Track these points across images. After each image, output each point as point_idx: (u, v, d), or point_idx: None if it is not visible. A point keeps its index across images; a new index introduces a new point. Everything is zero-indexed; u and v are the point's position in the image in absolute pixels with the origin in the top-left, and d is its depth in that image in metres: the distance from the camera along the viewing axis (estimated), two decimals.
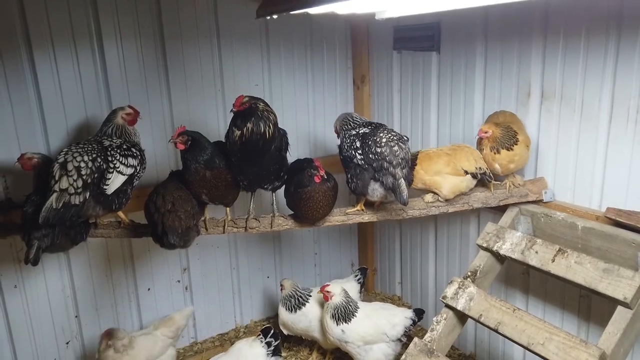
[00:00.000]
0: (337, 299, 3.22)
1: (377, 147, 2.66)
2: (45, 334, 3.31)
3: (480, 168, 2.87)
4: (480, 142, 2.90)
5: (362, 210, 2.97)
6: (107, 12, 3.11)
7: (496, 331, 2.39)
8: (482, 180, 2.94)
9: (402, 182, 2.62)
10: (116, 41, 3.18)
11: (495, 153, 2.79)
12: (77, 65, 3.10)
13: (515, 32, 2.90)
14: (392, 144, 2.65)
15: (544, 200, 2.84)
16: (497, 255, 2.69)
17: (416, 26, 3.50)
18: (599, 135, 2.60)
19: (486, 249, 2.72)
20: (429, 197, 2.94)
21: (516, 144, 2.74)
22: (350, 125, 2.93)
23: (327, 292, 3.23)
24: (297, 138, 3.90)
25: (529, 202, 2.88)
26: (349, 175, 2.80)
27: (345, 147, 2.82)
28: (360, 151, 2.73)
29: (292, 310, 3.49)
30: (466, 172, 2.86)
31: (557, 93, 2.76)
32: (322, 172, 2.72)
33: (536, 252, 2.48)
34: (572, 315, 2.87)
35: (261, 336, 3.12)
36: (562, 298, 2.89)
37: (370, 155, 2.67)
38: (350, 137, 2.82)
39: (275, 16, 1.81)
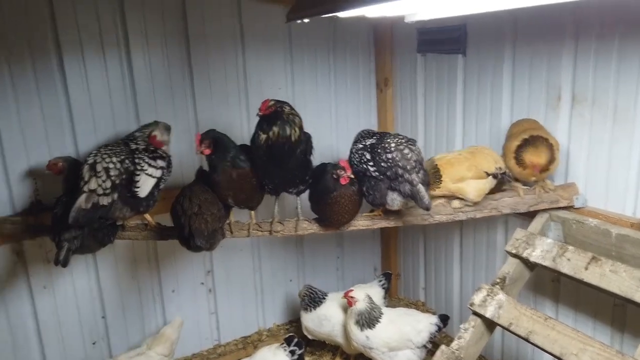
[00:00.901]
0: (361, 304, 3.19)
1: (387, 153, 2.59)
2: (72, 334, 3.35)
3: (500, 168, 2.84)
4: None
5: (380, 215, 2.94)
6: (134, 18, 3.16)
7: (527, 340, 2.33)
8: (502, 180, 2.90)
9: (421, 187, 2.54)
10: (143, 47, 3.23)
11: (545, 172, 2.72)
12: (105, 71, 3.15)
13: (546, 35, 2.84)
14: (401, 147, 2.59)
15: (576, 207, 2.78)
16: (526, 262, 2.63)
17: (442, 28, 3.46)
18: (633, 140, 2.52)
19: (515, 256, 2.66)
20: (456, 203, 2.89)
21: (556, 154, 2.68)
22: (357, 140, 2.88)
23: (351, 297, 3.20)
24: (319, 141, 3.86)
25: (559, 208, 2.81)
26: (364, 189, 2.73)
27: (355, 162, 2.74)
28: (371, 163, 2.65)
29: (307, 310, 3.52)
30: (487, 174, 2.82)
31: (589, 97, 2.69)
32: (349, 172, 2.67)
33: (568, 260, 2.42)
34: (605, 325, 2.79)
35: (285, 344, 3.11)
36: (595, 307, 2.82)
37: (382, 164, 2.60)
38: (359, 152, 2.75)
39: (306, 20, 1.81)
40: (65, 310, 3.30)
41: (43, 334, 3.24)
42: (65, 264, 2.44)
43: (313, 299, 3.55)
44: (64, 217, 2.36)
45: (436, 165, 2.85)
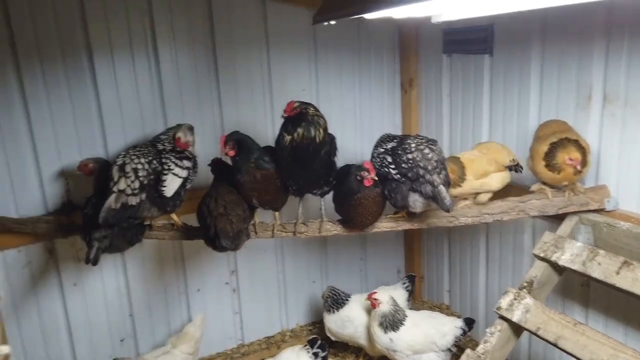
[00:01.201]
0: (385, 307, 3.17)
1: (408, 153, 2.57)
2: (101, 331, 3.43)
3: (513, 160, 2.94)
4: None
5: (404, 216, 2.92)
6: (162, 21, 3.22)
7: (556, 346, 2.28)
8: (516, 172, 2.96)
9: (442, 188, 2.50)
10: (170, 50, 3.28)
11: (578, 174, 2.65)
12: (134, 72, 3.21)
13: (576, 34, 2.78)
14: (422, 147, 2.56)
15: (607, 209, 2.70)
16: (555, 266, 2.58)
17: (468, 28, 3.42)
18: None
19: (543, 259, 2.61)
20: (484, 197, 2.86)
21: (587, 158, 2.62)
22: (378, 144, 2.87)
23: (375, 299, 3.19)
24: (343, 143, 3.86)
25: (590, 211, 2.74)
26: (386, 191, 2.72)
27: (377, 166, 2.73)
28: (393, 165, 2.63)
29: (330, 311, 3.52)
30: (505, 167, 2.87)
31: (621, 96, 2.62)
32: (373, 174, 2.66)
33: (599, 264, 2.36)
34: (637, 331, 2.71)
35: (308, 346, 3.13)
36: (626, 312, 2.74)
37: (403, 165, 2.58)
38: (380, 156, 2.75)
39: (333, 22, 1.82)
40: (94, 308, 3.38)
41: (73, 330, 3.33)
42: (95, 262, 2.50)
43: (336, 300, 3.56)
44: (94, 217, 2.42)
45: (461, 162, 2.83)
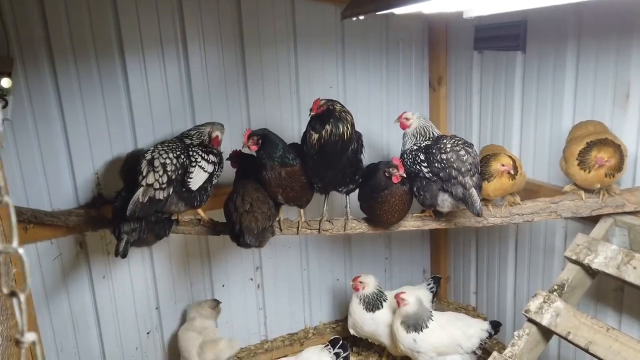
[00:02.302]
0: (410, 308, 3.12)
1: (442, 153, 2.53)
2: (128, 323, 3.50)
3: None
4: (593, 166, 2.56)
5: (431, 215, 2.88)
6: (192, 18, 3.25)
7: (587, 351, 2.22)
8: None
9: (474, 191, 2.46)
10: (199, 47, 3.31)
11: (610, 177, 2.55)
12: (164, 71, 3.26)
13: (614, 29, 2.68)
14: (457, 148, 2.52)
15: None
16: (587, 269, 2.50)
17: (500, 24, 3.34)
18: None
19: (575, 262, 2.53)
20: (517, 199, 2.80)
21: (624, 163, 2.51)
22: (421, 134, 2.83)
23: (402, 299, 3.14)
24: (369, 140, 3.86)
25: (625, 213, 2.64)
26: (415, 188, 2.69)
27: (408, 163, 2.70)
28: (425, 163, 2.60)
29: (371, 310, 3.44)
30: None
31: None
32: (402, 171, 2.62)
33: (634, 268, 2.28)
34: None
35: (329, 346, 3.12)
36: None
37: (436, 164, 2.54)
38: (412, 152, 2.72)
39: (362, 17, 1.79)
40: (122, 300, 3.45)
41: (102, 321, 3.40)
42: (124, 255, 2.54)
43: (378, 301, 3.49)
44: (123, 210, 2.47)
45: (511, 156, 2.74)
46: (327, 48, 3.70)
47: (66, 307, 3.26)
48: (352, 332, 3.60)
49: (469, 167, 2.49)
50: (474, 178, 2.51)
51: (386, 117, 4.01)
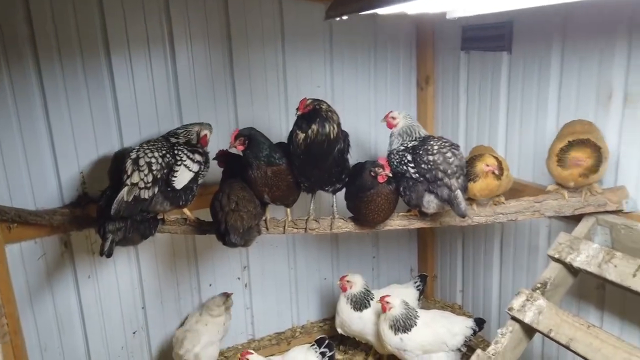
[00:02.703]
0: (396, 311, 3.13)
1: (429, 155, 2.57)
2: (114, 323, 3.48)
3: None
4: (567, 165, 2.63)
5: (416, 215, 2.90)
6: (179, 18, 3.23)
7: (568, 348, 2.25)
8: None
9: (459, 193, 2.51)
10: (187, 46, 3.30)
11: (584, 177, 2.60)
12: (150, 70, 3.24)
13: (597, 31, 2.71)
14: (444, 150, 2.56)
15: (625, 211, 2.64)
16: (570, 268, 2.53)
17: (487, 25, 3.37)
18: None
19: (558, 260, 2.56)
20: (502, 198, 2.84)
21: (602, 164, 2.55)
22: (407, 134, 2.84)
23: (387, 302, 3.15)
24: (357, 140, 3.88)
25: (607, 212, 2.68)
26: (401, 188, 2.72)
27: (395, 163, 2.73)
28: (412, 164, 2.63)
29: (359, 309, 3.45)
30: None
31: None
32: (388, 171, 2.65)
33: (615, 266, 2.31)
34: None
35: (315, 345, 3.14)
36: None
37: (423, 165, 2.58)
38: (399, 153, 2.75)
39: (345, 17, 1.80)
40: (107, 300, 3.43)
41: (87, 321, 3.38)
42: (109, 254, 2.52)
43: (366, 300, 3.50)
44: (107, 209, 2.45)
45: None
46: (315, 47, 3.71)
47: (50, 307, 3.23)
48: (339, 331, 3.62)
49: (455, 169, 2.53)
50: (459, 180, 2.54)
51: (374, 116, 4.02)
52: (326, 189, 2.88)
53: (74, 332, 3.35)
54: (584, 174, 2.56)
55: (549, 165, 2.70)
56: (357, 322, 3.47)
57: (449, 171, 2.52)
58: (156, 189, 2.51)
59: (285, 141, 2.83)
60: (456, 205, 2.50)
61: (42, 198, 3.08)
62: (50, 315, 3.24)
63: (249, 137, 2.68)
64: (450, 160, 2.53)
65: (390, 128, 2.91)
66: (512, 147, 3.37)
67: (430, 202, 2.63)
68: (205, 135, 2.83)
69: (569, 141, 2.58)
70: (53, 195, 3.11)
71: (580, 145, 2.53)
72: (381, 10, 1.76)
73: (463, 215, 2.52)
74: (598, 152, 2.52)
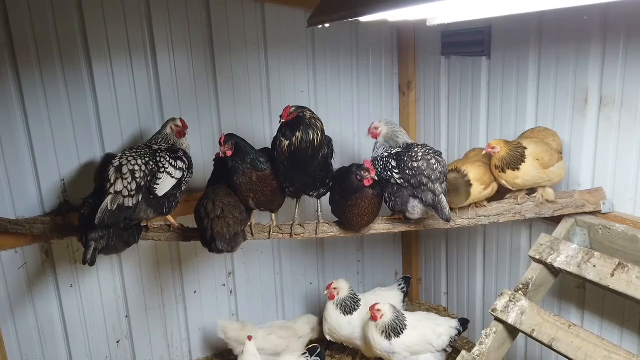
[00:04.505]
0: (387, 317, 3.13)
1: (414, 161, 2.63)
2: (97, 332, 3.43)
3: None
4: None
5: (400, 218, 2.93)
6: (160, 24, 3.23)
7: (550, 347, 2.29)
8: None
9: (443, 198, 2.58)
10: (169, 52, 3.29)
11: (500, 172, 2.74)
12: (132, 76, 3.22)
13: (572, 37, 2.79)
14: (428, 157, 2.64)
15: (602, 212, 2.71)
16: (550, 268, 2.59)
17: (466, 31, 3.43)
18: None
19: (539, 261, 2.61)
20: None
21: (523, 163, 2.65)
22: (392, 139, 2.90)
23: (378, 310, 3.15)
24: (341, 145, 3.90)
25: (585, 213, 2.75)
26: (386, 194, 2.76)
27: (379, 169, 2.78)
28: (397, 170, 2.69)
29: (348, 312, 3.45)
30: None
31: (617, 99, 2.63)
32: (373, 174, 2.67)
33: (594, 266, 2.36)
34: (633, 334, 2.71)
35: (307, 354, 3.13)
36: (622, 315, 2.74)
37: (407, 172, 2.64)
38: (384, 159, 2.80)
39: (327, 25, 1.83)
40: (90, 309, 3.38)
41: (69, 331, 3.33)
42: (92, 262, 2.49)
43: (354, 303, 3.51)
44: (90, 217, 2.43)
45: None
46: (298, 53, 3.73)
47: (32, 317, 3.18)
48: (328, 338, 3.60)
49: (438, 175, 2.60)
50: (442, 185, 2.61)
51: (357, 121, 4.06)
52: (310, 193, 2.90)
53: (56, 342, 3.29)
54: (500, 167, 2.71)
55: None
56: (347, 327, 3.46)
57: (433, 177, 2.58)
58: (140, 197, 2.49)
59: (269, 146, 2.83)
60: (440, 209, 2.57)
61: (22, 206, 3.03)
62: (31, 325, 3.18)
63: (236, 143, 2.69)
64: (434, 166, 2.60)
65: (376, 138, 2.96)
66: None
67: (415, 207, 2.68)
68: (176, 125, 2.84)
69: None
70: (33, 204, 3.07)
71: (495, 141, 2.74)
72: (361, 18, 1.79)
73: (447, 220, 2.60)
74: (517, 147, 2.67)
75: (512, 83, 3.21)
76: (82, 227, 2.58)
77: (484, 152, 2.82)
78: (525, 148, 2.68)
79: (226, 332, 3.50)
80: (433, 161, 2.62)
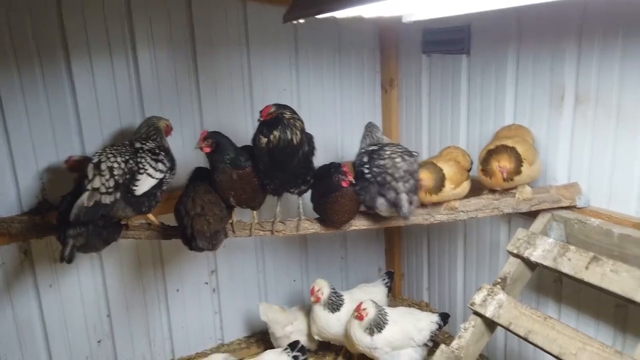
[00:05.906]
0: (371, 313, 3.15)
1: (380, 159, 2.70)
2: (78, 332, 3.40)
3: (471, 162, 3.16)
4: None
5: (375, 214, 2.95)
6: (141, 21, 3.19)
7: (526, 340, 2.33)
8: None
9: (404, 196, 2.63)
10: (149, 50, 3.26)
11: (508, 182, 2.76)
12: (112, 73, 3.18)
13: (549, 34, 2.83)
14: (394, 156, 2.69)
15: (578, 206, 2.76)
16: (527, 262, 2.63)
17: (446, 29, 3.46)
18: (637, 139, 2.51)
19: (516, 256, 2.65)
20: (456, 204, 2.91)
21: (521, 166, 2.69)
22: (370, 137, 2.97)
23: (363, 309, 3.16)
24: (324, 142, 3.91)
25: (561, 208, 2.80)
26: (357, 188, 2.81)
27: (357, 162, 2.87)
28: (367, 166, 2.76)
29: (336, 309, 3.45)
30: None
31: (592, 96, 2.68)
32: (351, 177, 2.73)
33: (569, 260, 2.41)
34: (608, 326, 2.76)
35: (288, 350, 3.14)
36: (597, 307, 2.80)
37: (374, 169, 2.70)
38: (361, 154, 2.88)
39: (302, 20, 1.83)
40: (70, 309, 3.34)
41: (49, 331, 3.29)
42: (70, 260, 2.47)
43: (339, 300, 3.51)
44: (67, 214, 2.40)
45: (442, 171, 2.82)
46: (280, 50, 3.72)
47: (10, 318, 3.14)
48: (317, 338, 3.60)
49: (402, 173, 2.65)
50: (406, 184, 2.66)
51: (340, 118, 4.07)
52: (292, 190, 2.90)
53: (36, 342, 3.26)
54: (508, 179, 2.71)
55: (479, 175, 2.84)
56: (335, 324, 3.45)
57: (396, 175, 2.64)
58: (118, 195, 2.47)
59: (250, 144, 2.83)
60: (399, 207, 2.63)
61: (0, 205, 2.99)
62: (9, 325, 3.14)
63: (218, 141, 2.68)
64: (399, 165, 2.65)
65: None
66: (473, 148, 3.45)
67: (382, 205, 2.74)
68: (167, 125, 2.89)
69: (488, 150, 2.75)
70: (11, 202, 3.02)
71: (499, 152, 2.69)
72: (337, 14, 1.80)
73: (406, 218, 2.67)
74: (517, 156, 2.67)
75: (491, 81, 3.25)
76: (60, 224, 2.56)
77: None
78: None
79: (267, 313, 3.56)
80: (398, 160, 2.67)
